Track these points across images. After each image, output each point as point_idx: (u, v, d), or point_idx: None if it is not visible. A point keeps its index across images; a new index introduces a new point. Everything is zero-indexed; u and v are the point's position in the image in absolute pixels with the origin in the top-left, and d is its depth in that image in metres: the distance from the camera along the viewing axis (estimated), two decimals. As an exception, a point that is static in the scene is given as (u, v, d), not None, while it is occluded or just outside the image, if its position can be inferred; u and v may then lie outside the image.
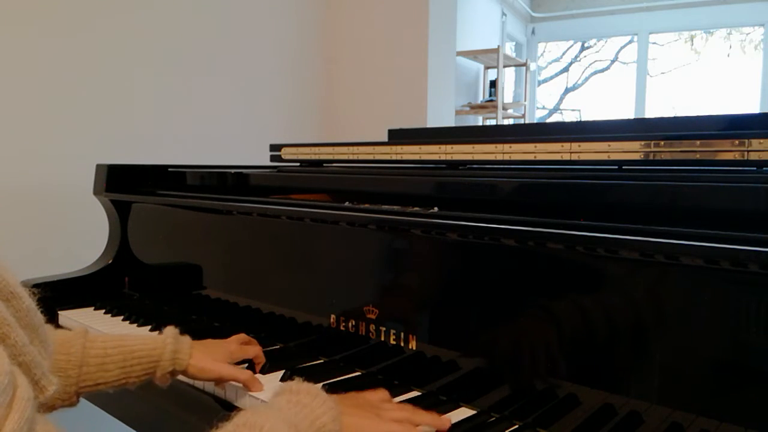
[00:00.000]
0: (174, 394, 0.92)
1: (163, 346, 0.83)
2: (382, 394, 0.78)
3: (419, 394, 0.86)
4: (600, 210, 0.80)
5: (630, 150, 0.90)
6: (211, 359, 0.85)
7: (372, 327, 0.93)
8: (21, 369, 0.49)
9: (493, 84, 4.77)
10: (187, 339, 0.86)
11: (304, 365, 0.96)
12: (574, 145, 0.96)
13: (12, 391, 0.45)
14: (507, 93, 5.48)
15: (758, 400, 0.60)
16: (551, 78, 6.55)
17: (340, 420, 0.65)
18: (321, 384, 0.87)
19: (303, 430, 0.60)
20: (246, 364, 0.94)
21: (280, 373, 0.91)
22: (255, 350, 0.95)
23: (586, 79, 6.44)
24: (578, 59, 6.47)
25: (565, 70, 6.50)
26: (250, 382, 0.85)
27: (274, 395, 0.67)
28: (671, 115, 5.27)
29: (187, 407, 0.92)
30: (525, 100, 5.11)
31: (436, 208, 0.99)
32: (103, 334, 0.87)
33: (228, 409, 0.86)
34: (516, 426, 0.76)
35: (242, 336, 0.97)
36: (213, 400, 0.89)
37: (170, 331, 0.86)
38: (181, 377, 0.87)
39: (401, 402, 0.80)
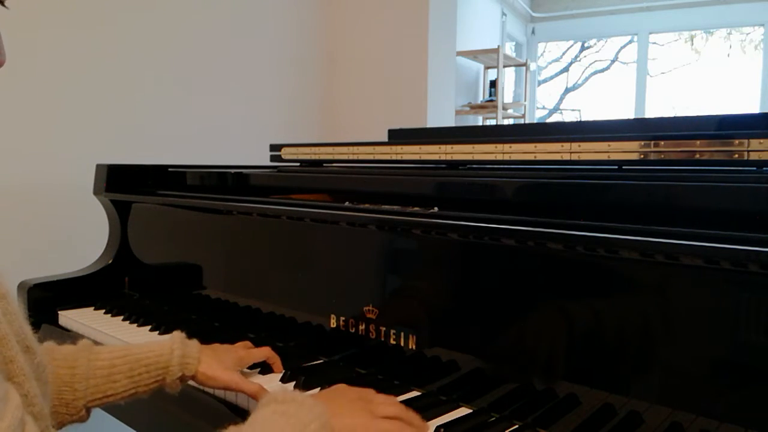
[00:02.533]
0: (185, 399, 0.91)
1: (171, 352, 0.81)
2: (368, 391, 0.76)
3: (419, 394, 0.86)
4: (600, 210, 0.80)
5: (630, 150, 0.90)
6: (221, 366, 0.84)
7: (372, 327, 0.93)
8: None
9: (493, 84, 4.77)
10: (195, 343, 0.85)
11: (304, 365, 0.96)
12: (574, 145, 0.96)
13: (23, 428, 0.46)
14: (507, 93, 5.47)
15: (758, 400, 0.60)
16: (551, 78, 6.55)
17: (331, 425, 0.63)
18: (321, 384, 0.87)
19: None
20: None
21: (280, 373, 0.91)
22: (264, 353, 0.93)
23: (586, 79, 6.44)
24: (578, 59, 6.47)
25: (565, 70, 6.50)
26: (258, 395, 0.82)
27: (259, 406, 0.65)
28: (671, 115, 5.28)
29: (197, 413, 0.92)
30: (525, 100, 5.11)
31: (436, 208, 0.99)
32: (108, 345, 0.85)
33: (239, 414, 0.85)
34: (516, 426, 0.76)
35: (247, 343, 0.97)
36: (225, 407, 0.88)
37: (177, 335, 0.85)
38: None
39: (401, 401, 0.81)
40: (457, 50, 3.16)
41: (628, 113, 5.75)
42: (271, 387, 0.88)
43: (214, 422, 0.87)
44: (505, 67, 4.73)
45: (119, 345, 0.84)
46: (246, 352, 0.92)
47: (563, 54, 6.50)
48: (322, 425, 0.62)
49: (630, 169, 0.93)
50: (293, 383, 0.89)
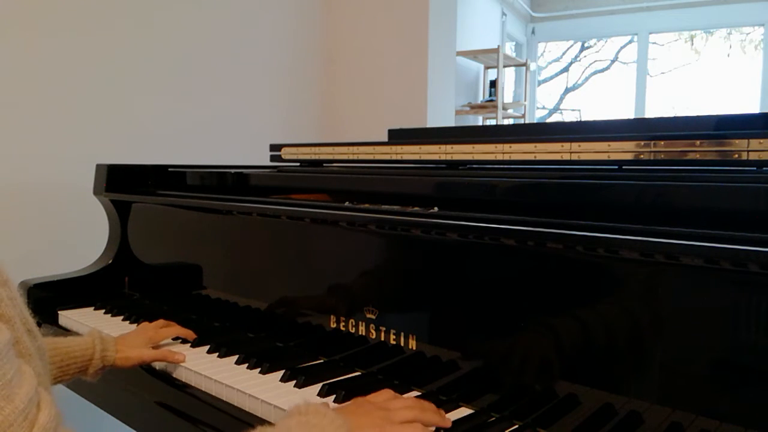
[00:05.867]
0: (184, 401, 0.94)
1: (93, 347, 0.95)
2: (386, 394, 0.79)
3: (419, 394, 0.86)
4: (600, 210, 0.80)
5: (630, 150, 0.90)
6: (132, 349, 0.99)
7: (372, 327, 0.93)
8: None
9: (493, 84, 4.77)
10: (110, 337, 1.00)
11: (304, 365, 0.96)
12: (574, 145, 0.96)
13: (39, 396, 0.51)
14: (507, 93, 5.47)
15: (758, 400, 0.60)
16: (551, 78, 6.55)
17: None
18: (321, 384, 0.87)
19: None
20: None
21: (281, 372, 0.91)
22: (173, 331, 1.08)
23: (586, 79, 6.44)
24: (578, 59, 6.47)
25: (565, 70, 6.50)
26: (169, 357, 0.99)
27: (283, 417, 0.68)
28: (671, 115, 5.28)
29: (194, 411, 0.92)
30: (525, 100, 5.11)
31: (436, 208, 0.99)
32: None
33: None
34: (516, 426, 0.76)
35: (161, 321, 1.10)
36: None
37: (95, 333, 0.98)
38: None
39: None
40: (457, 50, 3.16)
41: (628, 113, 5.75)
42: (266, 387, 0.88)
43: (212, 423, 0.88)
44: (505, 67, 4.73)
45: (48, 338, 0.93)
46: (155, 331, 1.06)
47: (563, 54, 6.50)
48: None
49: (630, 169, 0.93)
50: (293, 383, 0.88)
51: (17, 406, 0.47)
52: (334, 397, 0.84)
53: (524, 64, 4.97)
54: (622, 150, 0.91)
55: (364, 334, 0.94)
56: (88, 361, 0.94)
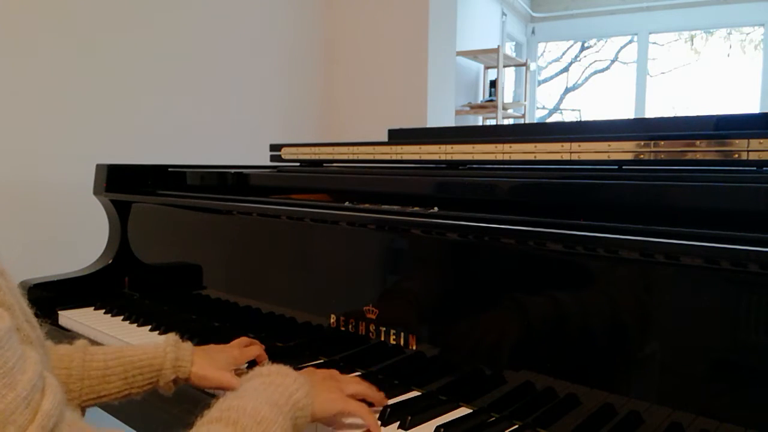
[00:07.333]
0: (182, 398, 0.92)
1: (164, 355, 0.82)
2: (333, 371, 0.84)
3: (419, 393, 0.86)
4: (600, 210, 0.80)
5: (630, 150, 0.90)
6: (214, 367, 0.85)
7: (372, 327, 0.93)
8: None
9: (493, 84, 4.76)
10: (188, 346, 0.86)
11: (304, 365, 0.96)
12: (574, 145, 0.96)
13: (43, 381, 0.49)
14: (507, 93, 5.47)
15: (758, 400, 0.60)
16: (551, 78, 6.55)
17: (312, 393, 0.70)
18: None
19: (282, 406, 0.65)
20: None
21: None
22: (257, 351, 0.95)
23: (586, 79, 6.43)
24: (578, 59, 6.47)
25: (565, 70, 6.50)
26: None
27: (245, 380, 0.70)
28: (671, 115, 5.28)
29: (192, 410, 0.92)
30: (525, 100, 5.11)
31: (436, 208, 0.99)
32: (104, 346, 0.86)
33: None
34: (516, 426, 0.76)
35: (244, 339, 0.97)
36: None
37: (171, 338, 0.86)
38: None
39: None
40: (457, 50, 3.16)
41: (628, 113, 5.75)
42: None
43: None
44: (505, 67, 4.73)
45: (115, 346, 0.85)
46: (239, 351, 0.93)
47: (563, 54, 6.50)
48: (306, 393, 0.69)
49: (630, 169, 0.93)
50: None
51: (19, 394, 0.46)
52: (334, 397, 0.84)
53: (524, 64, 4.97)
54: (622, 150, 0.91)
55: (364, 334, 0.94)
56: (157, 371, 0.82)
